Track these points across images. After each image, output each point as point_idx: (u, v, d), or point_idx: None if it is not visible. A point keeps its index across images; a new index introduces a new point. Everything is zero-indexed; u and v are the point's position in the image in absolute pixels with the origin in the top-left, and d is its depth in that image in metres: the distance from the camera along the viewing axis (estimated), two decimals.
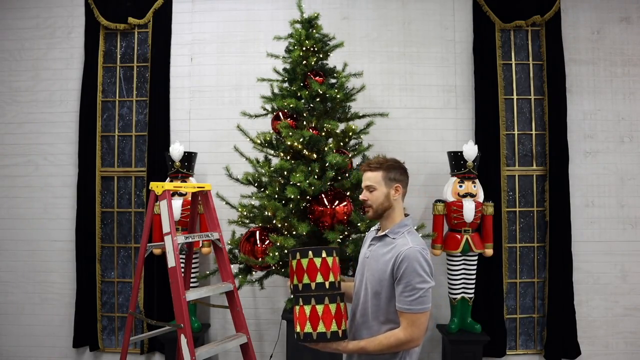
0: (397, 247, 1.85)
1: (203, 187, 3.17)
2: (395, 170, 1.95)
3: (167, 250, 2.79)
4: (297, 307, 1.85)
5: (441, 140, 4.31)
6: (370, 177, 1.95)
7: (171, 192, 3.00)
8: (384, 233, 1.96)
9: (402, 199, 1.99)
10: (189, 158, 4.03)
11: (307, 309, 1.82)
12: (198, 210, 3.36)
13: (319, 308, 1.81)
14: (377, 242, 1.97)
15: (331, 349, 1.84)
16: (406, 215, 2.02)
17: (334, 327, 1.80)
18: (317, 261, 1.85)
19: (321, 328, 1.79)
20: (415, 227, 3.38)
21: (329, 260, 1.86)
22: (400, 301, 1.79)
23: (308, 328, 1.81)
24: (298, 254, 1.87)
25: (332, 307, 1.81)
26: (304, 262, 1.85)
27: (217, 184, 3.67)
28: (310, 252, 1.85)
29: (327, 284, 1.84)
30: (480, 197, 3.87)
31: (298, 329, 1.85)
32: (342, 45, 3.60)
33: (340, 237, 3.12)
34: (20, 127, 4.48)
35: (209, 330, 4.31)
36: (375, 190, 1.94)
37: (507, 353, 4.18)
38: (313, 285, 1.84)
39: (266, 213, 3.23)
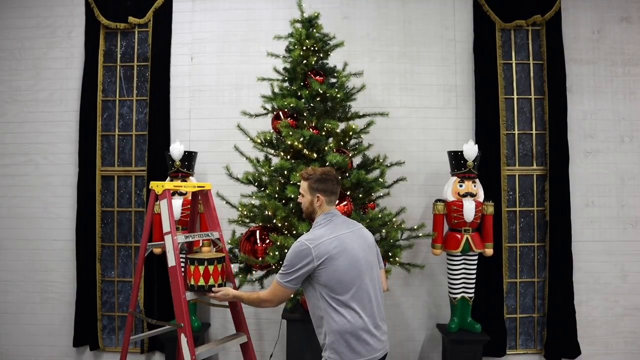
0: None
1: (203, 187, 3.17)
2: (319, 182, 2.24)
3: (167, 249, 2.80)
4: (192, 267, 2.74)
5: (441, 139, 4.31)
6: (301, 185, 2.32)
7: (171, 191, 3.00)
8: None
9: (328, 204, 2.26)
10: (189, 157, 4.03)
11: (193, 268, 2.76)
12: (198, 210, 3.37)
13: (201, 269, 2.75)
14: None
15: (216, 296, 2.61)
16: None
17: (211, 282, 2.77)
18: (201, 269, 2.75)
19: (211, 282, 2.76)
20: (415, 226, 3.44)
21: (210, 268, 2.77)
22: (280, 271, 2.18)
23: (201, 282, 2.74)
24: (195, 261, 2.76)
25: (210, 268, 2.76)
26: (201, 269, 2.74)
27: (217, 184, 3.67)
28: (195, 262, 2.76)
29: (216, 285, 2.78)
30: (481, 196, 3.87)
31: (192, 282, 2.77)
32: (342, 45, 3.60)
33: None
34: (20, 126, 4.49)
35: (209, 330, 4.31)
36: (303, 197, 2.31)
37: (507, 353, 4.18)
38: (206, 286, 2.77)
39: (266, 212, 3.23)
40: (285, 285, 2.13)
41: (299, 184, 3.08)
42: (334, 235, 2.13)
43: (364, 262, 2.15)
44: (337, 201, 3.15)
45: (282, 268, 2.14)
